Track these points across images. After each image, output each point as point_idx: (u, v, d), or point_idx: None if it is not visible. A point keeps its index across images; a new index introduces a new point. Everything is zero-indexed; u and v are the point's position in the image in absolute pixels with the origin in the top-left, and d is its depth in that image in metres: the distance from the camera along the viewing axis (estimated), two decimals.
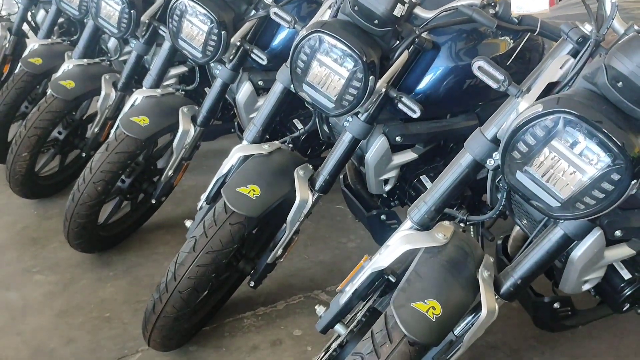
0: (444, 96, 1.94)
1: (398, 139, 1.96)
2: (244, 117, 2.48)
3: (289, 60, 1.81)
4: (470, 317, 1.46)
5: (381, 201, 2.25)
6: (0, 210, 2.88)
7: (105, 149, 2.30)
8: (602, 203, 1.21)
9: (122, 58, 3.05)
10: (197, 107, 2.45)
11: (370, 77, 1.68)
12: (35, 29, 3.56)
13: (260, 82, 2.44)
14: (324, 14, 1.88)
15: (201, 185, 3.08)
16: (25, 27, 3.43)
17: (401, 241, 1.48)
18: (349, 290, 1.55)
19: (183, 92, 2.60)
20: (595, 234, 1.47)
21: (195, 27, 2.21)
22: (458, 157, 1.47)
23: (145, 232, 2.75)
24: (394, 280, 1.59)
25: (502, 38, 2.01)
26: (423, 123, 2.00)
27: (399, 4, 1.67)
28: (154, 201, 2.55)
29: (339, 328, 1.62)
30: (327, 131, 2.17)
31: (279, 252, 1.99)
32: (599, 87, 1.22)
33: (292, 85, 1.87)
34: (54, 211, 2.88)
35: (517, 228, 1.79)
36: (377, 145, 1.95)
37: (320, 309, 1.67)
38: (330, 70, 1.73)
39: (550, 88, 1.39)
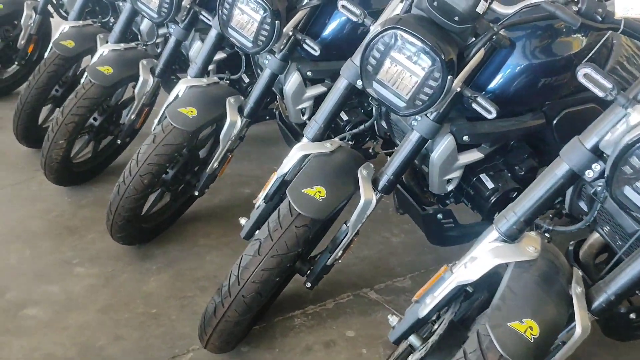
0: (514, 95, 1.87)
1: (465, 138, 1.88)
2: (292, 109, 2.40)
3: (358, 56, 1.73)
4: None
5: (437, 199, 2.18)
6: (33, 197, 2.81)
7: (152, 140, 2.22)
8: None
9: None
10: (242, 98, 2.37)
11: (449, 77, 1.60)
12: (58, 9, 3.45)
13: (308, 73, 2.35)
14: (395, 8, 1.79)
15: (236, 173, 3.04)
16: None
17: (490, 254, 1.40)
18: (430, 302, 1.48)
19: (227, 82, 2.51)
20: None
21: (246, 16, 2.12)
22: (552, 166, 1.39)
23: (184, 224, 2.67)
24: (471, 291, 1.53)
25: (575, 36, 1.92)
26: (491, 122, 1.90)
27: (482, 0, 1.58)
28: (197, 193, 2.48)
29: (413, 340, 1.56)
30: (385, 127, 2.09)
31: (339, 253, 1.93)
32: None
33: (358, 82, 1.79)
34: (89, 199, 2.81)
35: (594, 235, 1.72)
36: (443, 145, 1.87)
37: (393, 320, 1.60)
38: (404, 68, 1.65)
39: None
